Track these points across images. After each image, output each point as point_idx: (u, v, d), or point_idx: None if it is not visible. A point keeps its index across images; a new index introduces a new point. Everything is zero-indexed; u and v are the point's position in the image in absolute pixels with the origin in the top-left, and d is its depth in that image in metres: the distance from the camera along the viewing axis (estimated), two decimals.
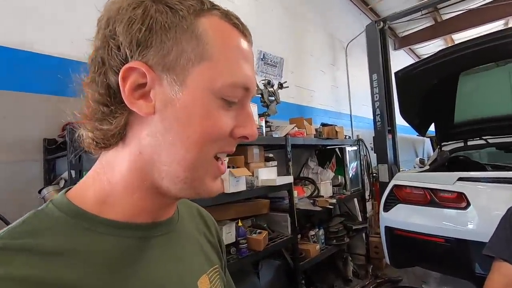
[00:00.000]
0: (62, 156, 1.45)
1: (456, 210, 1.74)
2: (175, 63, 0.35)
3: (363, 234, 3.16)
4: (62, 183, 1.38)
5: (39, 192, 1.33)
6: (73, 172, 1.22)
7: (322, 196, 2.57)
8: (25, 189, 1.43)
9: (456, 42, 6.46)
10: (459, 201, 1.74)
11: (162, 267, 0.40)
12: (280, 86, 2.59)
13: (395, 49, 6.63)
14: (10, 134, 1.45)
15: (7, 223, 1.08)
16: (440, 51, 2.28)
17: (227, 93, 0.37)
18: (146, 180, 0.38)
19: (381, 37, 3.51)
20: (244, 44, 0.39)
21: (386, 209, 2.07)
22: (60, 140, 1.44)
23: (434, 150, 3.50)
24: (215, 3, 0.38)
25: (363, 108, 4.85)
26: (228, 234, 1.79)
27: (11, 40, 1.49)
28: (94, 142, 0.37)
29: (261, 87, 2.41)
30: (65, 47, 1.67)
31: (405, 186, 2.01)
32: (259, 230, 1.98)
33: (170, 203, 0.43)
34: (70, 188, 0.40)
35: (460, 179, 1.79)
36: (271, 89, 2.47)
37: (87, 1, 1.76)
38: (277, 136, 2.31)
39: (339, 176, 2.98)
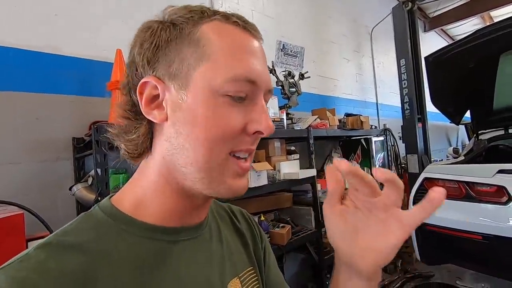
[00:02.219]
0: (89, 154, 1.50)
1: (495, 205, 1.61)
2: (178, 71, 0.38)
3: None
4: (90, 181, 1.44)
5: (70, 189, 1.40)
6: (99, 170, 1.25)
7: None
8: (57, 186, 1.51)
9: (495, 20, 5.92)
10: (499, 195, 1.60)
11: (189, 271, 0.41)
12: (301, 76, 2.51)
13: (425, 31, 6.19)
14: (43, 134, 1.52)
15: (41, 221, 1.15)
16: (478, 30, 2.07)
17: (229, 88, 0.37)
18: (172, 183, 0.41)
19: (409, 19, 3.28)
20: (247, 39, 0.40)
21: (416, 203, 1.96)
22: (87, 139, 1.49)
23: (469, 139, 3.26)
24: (218, 10, 0.40)
25: (391, 96, 4.62)
26: None
27: (40, 45, 1.55)
28: (128, 153, 0.43)
29: (282, 78, 2.35)
30: (89, 49, 1.71)
31: (437, 179, 1.88)
32: (282, 224, 1.96)
33: (199, 206, 0.44)
34: (115, 194, 0.45)
35: (501, 171, 1.64)
36: (292, 80, 2.41)
37: (105, 5, 1.80)
38: (298, 128, 2.26)
39: (365, 168, 2.87)
